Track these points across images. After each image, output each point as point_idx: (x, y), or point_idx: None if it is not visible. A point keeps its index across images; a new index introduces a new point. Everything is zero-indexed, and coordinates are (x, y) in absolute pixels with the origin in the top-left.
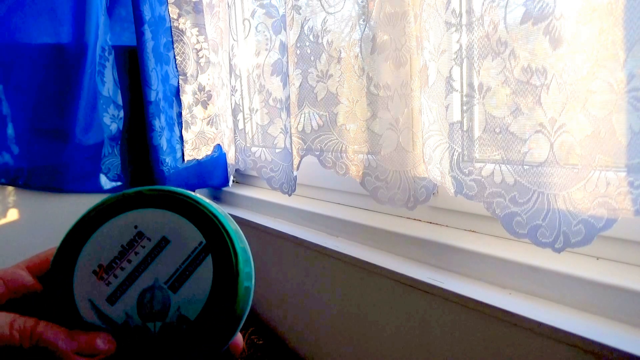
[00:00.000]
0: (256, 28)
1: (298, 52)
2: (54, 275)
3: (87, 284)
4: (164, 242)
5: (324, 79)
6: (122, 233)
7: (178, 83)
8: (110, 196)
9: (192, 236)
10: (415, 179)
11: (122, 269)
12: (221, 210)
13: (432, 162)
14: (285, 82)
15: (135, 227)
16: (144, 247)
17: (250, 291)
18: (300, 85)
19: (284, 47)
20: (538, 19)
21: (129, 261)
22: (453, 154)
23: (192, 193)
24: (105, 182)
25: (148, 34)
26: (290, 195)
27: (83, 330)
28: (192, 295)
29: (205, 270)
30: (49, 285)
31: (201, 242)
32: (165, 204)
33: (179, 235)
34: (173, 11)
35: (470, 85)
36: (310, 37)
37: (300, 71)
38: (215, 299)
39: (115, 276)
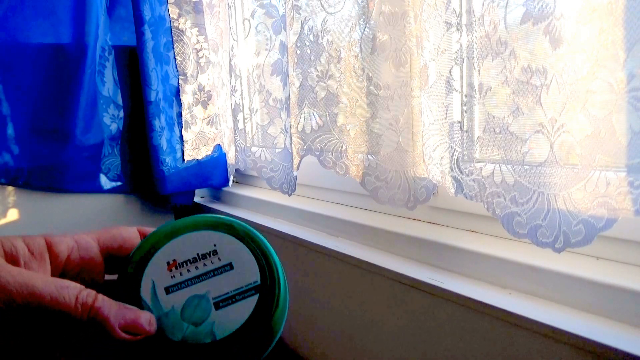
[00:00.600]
0: (256, 28)
1: (298, 52)
2: (141, 247)
3: (158, 268)
4: (228, 267)
5: (324, 79)
6: (202, 244)
7: (178, 83)
8: (210, 215)
9: (251, 272)
10: (415, 179)
11: (189, 271)
12: (278, 258)
13: (432, 162)
14: (285, 82)
15: (214, 245)
16: (212, 262)
17: (279, 333)
18: (300, 85)
19: (284, 47)
20: (538, 19)
21: (197, 268)
22: (453, 154)
23: (266, 240)
24: (105, 182)
25: (148, 34)
26: (290, 195)
27: (134, 303)
28: (228, 319)
29: (249, 305)
30: (134, 253)
31: (256, 281)
32: (243, 238)
33: (242, 266)
34: (173, 11)
35: (470, 85)
36: (310, 37)
37: (300, 71)
38: (244, 331)
39: (181, 274)
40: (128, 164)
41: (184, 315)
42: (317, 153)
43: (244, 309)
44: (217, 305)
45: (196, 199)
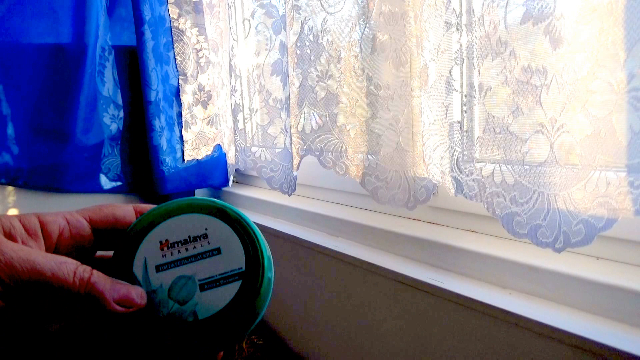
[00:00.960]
0: (256, 28)
1: (298, 52)
2: (137, 224)
3: (151, 246)
4: (217, 251)
5: (324, 79)
6: (194, 227)
7: (178, 83)
8: (204, 199)
9: (237, 259)
10: (415, 179)
11: (179, 252)
12: (266, 245)
13: (432, 162)
14: (285, 82)
15: (206, 229)
16: (202, 246)
17: (258, 317)
18: (300, 85)
19: (284, 47)
20: (538, 19)
21: (187, 250)
22: (453, 154)
23: (256, 227)
24: (105, 182)
25: (148, 34)
26: (290, 195)
27: (126, 278)
28: (211, 301)
29: (231, 290)
30: (129, 230)
31: (240, 268)
32: (234, 225)
33: (230, 252)
34: (173, 11)
35: (471, 85)
36: (310, 37)
37: (300, 71)
38: (224, 315)
39: (172, 254)
40: (128, 164)
41: (171, 293)
42: (317, 153)
43: (227, 294)
44: (202, 287)
45: None
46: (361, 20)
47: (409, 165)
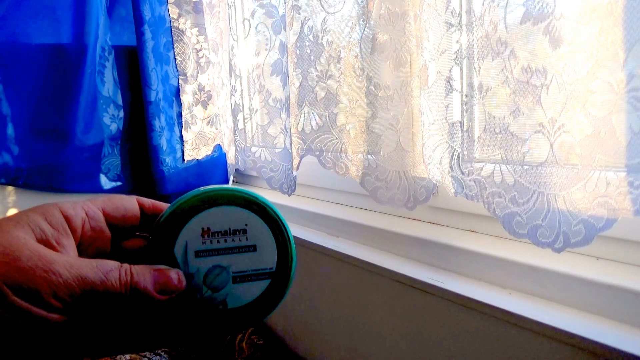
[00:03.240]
0: (256, 28)
1: (298, 52)
2: (182, 204)
3: (192, 232)
4: (252, 248)
5: (324, 79)
6: (235, 221)
7: (178, 83)
8: (248, 192)
9: (270, 258)
10: (415, 179)
11: (218, 242)
12: (295, 248)
13: (432, 162)
14: (285, 82)
15: (246, 225)
16: (240, 240)
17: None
18: (300, 85)
19: (283, 47)
20: (538, 19)
21: (225, 241)
22: (453, 154)
23: (290, 230)
24: (105, 182)
25: (148, 34)
26: (290, 195)
27: (165, 259)
28: (240, 293)
29: (260, 286)
30: (174, 209)
31: (272, 268)
32: (272, 226)
33: (264, 251)
34: (173, 11)
35: (470, 85)
36: (310, 37)
37: (300, 71)
38: (250, 308)
39: (211, 242)
40: (128, 164)
41: (206, 280)
42: (317, 153)
43: (255, 289)
44: (235, 280)
45: None
46: (361, 20)
47: (408, 165)
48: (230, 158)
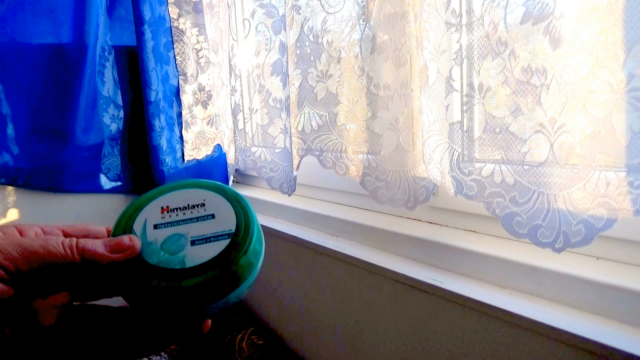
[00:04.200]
0: (256, 28)
1: (298, 52)
2: (142, 196)
3: (153, 210)
4: (211, 217)
5: (324, 79)
6: (194, 198)
7: (178, 83)
8: (208, 180)
9: (229, 223)
10: (415, 179)
11: (177, 215)
12: (257, 222)
13: (432, 162)
14: (285, 82)
15: (204, 200)
16: (198, 212)
17: (244, 281)
18: (300, 85)
19: (283, 47)
20: (538, 19)
21: (184, 214)
22: (453, 154)
23: (252, 210)
24: (105, 182)
25: (148, 34)
26: (290, 195)
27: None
28: (199, 253)
29: (219, 246)
30: (135, 200)
31: (231, 229)
32: (231, 199)
33: (223, 218)
34: (173, 11)
35: (470, 85)
36: (310, 37)
37: (300, 71)
38: (209, 266)
39: (170, 216)
40: (128, 164)
41: (164, 246)
42: (317, 153)
43: (215, 248)
44: (193, 243)
45: None
46: (361, 20)
47: (409, 165)
48: (230, 158)
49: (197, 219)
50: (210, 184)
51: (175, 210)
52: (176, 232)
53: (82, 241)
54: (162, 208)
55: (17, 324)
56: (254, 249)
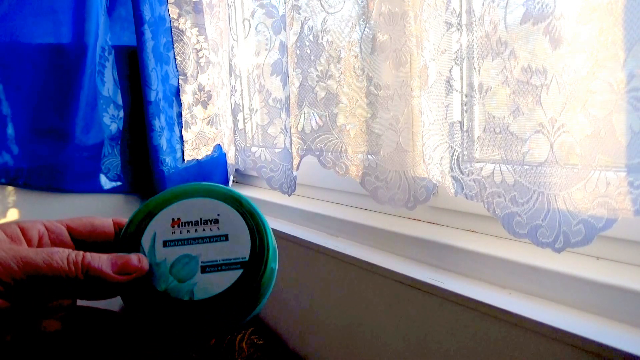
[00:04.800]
0: (256, 28)
1: (298, 52)
2: (153, 200)
3: (162, 223)
4: (224, 238)
5: (324, 79)
6: (207, 211)
7: (178, 83)
8: (221, 186)
9: (243, 248)
10: (415, 179)
11: (188, 232)
12: (273, 238)
13: (432, 162)
14: (285, 82)
15: (218, 215)
16: (211, 230)
17: (255, 310)
18: (300, 85)
19: (283, 47)
20: (538, 19)
21: (196, 231)
22: (453, 154)
23: (266, 220)
24: (105, 182)
25: (148, 34)
26: (290, 195)
27: (132, 249)
28: (209, 284)
29: (231, 277)
30: (145, 205)
31: (244, 257)
32: (245, 215)
33: (237, 240)
34: (173, 11)
35: (470, 85)
36: (310, 37)
37: (300, 71)
38: (220, 300)
39: (181, 232)
40: (128, 164)
41: (173, 269)
42: (317, 153)
43: (226, 280)
44: (204, 269)
45: None
46: (361, 20)
47: (409, 165)
48: (230, 158)
49: (210, 238)
50: (226, 193)
51: (186, 224)
52: (187, 252)
53: (88, 257)
54: (173, 220)
55: (18, 331)
56: (269, 274)
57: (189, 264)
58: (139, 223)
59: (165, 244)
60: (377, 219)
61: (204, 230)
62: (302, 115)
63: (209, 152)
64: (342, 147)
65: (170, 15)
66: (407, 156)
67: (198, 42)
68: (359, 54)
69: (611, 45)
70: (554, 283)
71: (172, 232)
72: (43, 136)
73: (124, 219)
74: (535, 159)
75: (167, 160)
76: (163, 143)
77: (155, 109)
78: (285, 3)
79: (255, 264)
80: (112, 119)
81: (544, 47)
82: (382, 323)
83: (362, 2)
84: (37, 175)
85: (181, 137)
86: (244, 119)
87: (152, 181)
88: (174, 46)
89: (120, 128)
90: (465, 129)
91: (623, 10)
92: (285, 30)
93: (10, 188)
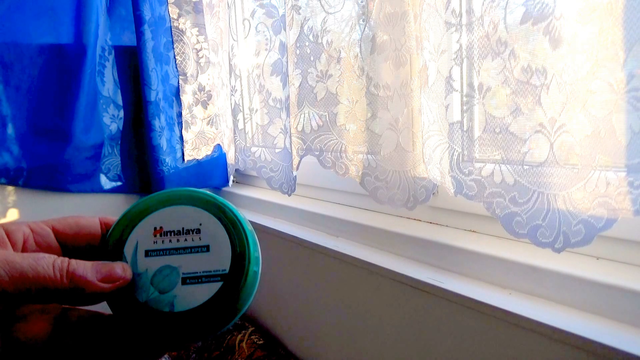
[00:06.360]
0: (256, 28)
1: (298, 52)
2: (136, 206)
3: (145, 230)
4: (205, 248)
5: (324, 79)
6: (190, 220)
7: (178, 83)
8: (206, 193)
9: (224, 260)
10: (415, 179)
11: (170, 241)
12: (257, 246)
13: (432, 162)
14: (285, 82)
15: (200, 224)
16: (193, 240)
17: (235, 318)
18: (300, 85)
19: (283, 47)
20: (538, 19)
21: (178, 240)
22: (453, 154)
23: (250, 228)
24: (105, 182)
25: (148, 34)
26: (290, 195)
27: (114, 257)
28: (189, 296)
29: (211, 289)
30: (128, 211)
31: (224, 270)
32: (228, 226)
33: (218, 252)
34: (173, 11)
35: (470, 85)
36: (310, 37)
37: (300, 71)
38: (199, 312)
39: (163, 242)
40: (128, 164)
41: (154, 280)
42: (317, 153)
43: (206, 292)
44: (184, 281)
45: None
46: (361, 20)
47: (408, 165)
48: (230, 158)
49: (191, 249)
50: (210, 201)
51: (169, 234)
52: (168, 263)
53: (73, 264)
54: (155, 229)
55: (4, 339)
56: (247, 289)
57: (170, 275)
58: (122, 230)
59: (147, 253)
60: (377, 219)
61: (185, 240)
62: (302, 115)
63: (209, 152)
64: (342, 147)
65: (170, 15)
66: (407, 156)
67: (198, 42)
68: (359, 54)
69: (611, 45)
70: (554, 283)
71: (154, 242)
72: (43, 136)
73: (111, 218)
74: (535, 159)
75: (167, 160)
76: (163, 143)
77: (155, 109)
78: (285, 3)
79: (235, 277)
80: (112, 119)
81: (544, 47)
82: (382, 323)
83: (362, 2)
84: (37, 175)
85: (181, 137)
86: (244, 119)
87: (152, 181)
88: (174, 46)
89: (120, 128)
90: (465, 129)
91: (623, 10)
92: (285, 30)
93: (10, 188)
